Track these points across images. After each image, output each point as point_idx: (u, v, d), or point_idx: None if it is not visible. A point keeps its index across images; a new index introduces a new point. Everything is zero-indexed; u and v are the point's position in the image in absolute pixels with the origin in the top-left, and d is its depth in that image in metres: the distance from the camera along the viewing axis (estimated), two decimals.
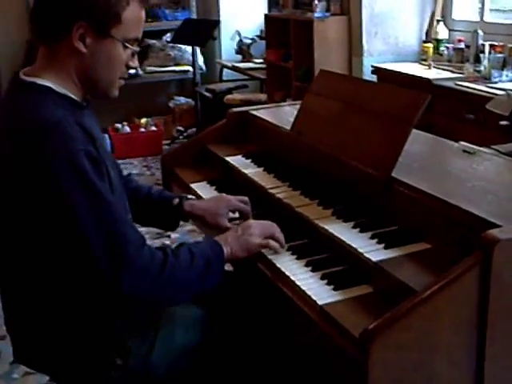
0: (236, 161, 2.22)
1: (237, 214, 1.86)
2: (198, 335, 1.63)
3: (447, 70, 3.89)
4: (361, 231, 1.61)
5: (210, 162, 2.34)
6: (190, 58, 5.90)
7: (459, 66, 3.88)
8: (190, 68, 6.02)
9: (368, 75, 4.24)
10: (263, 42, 5.47)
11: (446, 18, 4.34)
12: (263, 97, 5.18)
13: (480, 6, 4.18)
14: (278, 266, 1.59)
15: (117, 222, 1.40)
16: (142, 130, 5.93)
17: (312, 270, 1.55)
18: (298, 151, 2.03)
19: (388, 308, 1.23)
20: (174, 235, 4.01)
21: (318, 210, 1.76)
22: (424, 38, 4.34)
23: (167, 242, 3.94)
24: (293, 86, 4.57)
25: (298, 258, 1.62)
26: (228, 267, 1.68)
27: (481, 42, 3.88)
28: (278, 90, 4.84)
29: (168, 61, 6.20)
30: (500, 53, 3.70)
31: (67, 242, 1.38)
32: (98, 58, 1.51)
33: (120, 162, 5.74)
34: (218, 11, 6.22)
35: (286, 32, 4.75)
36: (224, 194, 1.92)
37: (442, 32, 4.21)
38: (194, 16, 6.18)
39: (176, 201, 1.87)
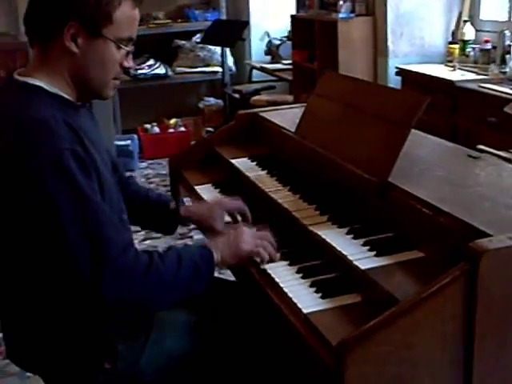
0: (241, 163, 2.17)
1: (239, 217, 1.82)
2: (188, 341, 1.59)
3: (472, 72, 3.78)
4: (354, 238, 1.55)
5: (217, 164, 2.30)
6: (220, 58, 5.88)
7: (485, 68, 3.77)
8: (219, 69, 5.99)
9: (392, 76, 4.15)
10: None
11: (473, 18, 4.22)
12: (289, 98, 5.12)
13: (509, 5, 4.05)
14: (269, 271, 1.54)
15: (100, 222, 1.37)
16: (171, 130, 5.92)
17: (302, 277, 1.50)
18: (301, 155, 1.98)
19: (373, 318, 1.17)
20: (196, 236, 3.98)
21: (314, 214, 1.71)
22: (450, 38, 4.22)
23: (190, 243, 3.91)
24: None
25: (290, 264, 1.57)
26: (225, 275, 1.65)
27: (508, 42, 3.75)
28: (303, 91, 4.77)
29: (198, 61, 6.18)
30: None
31: (48, 241, 1.35)
32: (90, 58, 1.48)
33: (148, 162, 5.75)
34: (248, 12, 6.18)
35: (311, 33, 4.69)
36: (221, 198, 1.88)
37: (468, 33, 4.09)
38: (224, 17, 6.14)
39: (173, 205, 1.84)
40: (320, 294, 1.42)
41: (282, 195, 1.86)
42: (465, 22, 4.15)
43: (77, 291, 1.37)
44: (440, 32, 4.33)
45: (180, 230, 2.03)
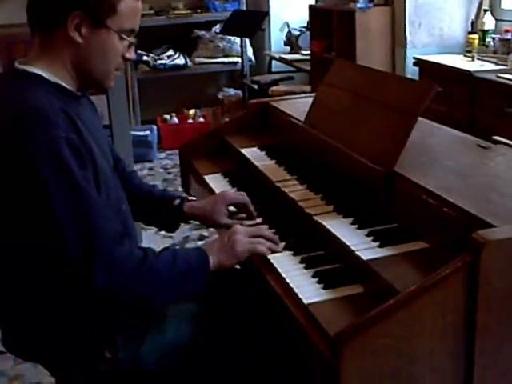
0: (250, 153, 2.15)
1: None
2: (189, 329, 1.57)
3: (491, 62, 3.70)
4: (358, 228, 1.52)
5: (227, 153, 2.28)
6: (239, 49, 5.84)
7: (504, 58, 3.69)
8: (239, 59, 5.95)
9: (410, 67, 4.08)
10: None
11: (493, 7, 4.13)
12: (307, 88, 5.08)
13: None
14: (272, 261, 1.52)
15: (93, 213, 1.36)
16: (190, 121, 5.90)
17: (305, 268, 1.47)
18: (310, 144, 1.95)
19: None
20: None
21: (320, 204, 1.68)
22: (470, 28, 4.14)
23: (205, 234, 3.90)
24: None
25: (294, 254, 1.54)
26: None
27: None
28: (321, 82, 4.73)
29: (217, 52, 6.15)
30: None
31: (40, 228, 1.35)
32: (93, 48, 1.48)
33: (167, 152, 5.73)
34: (268, 2, 6.13)
35: (329, 23, 4.64)
36: (222, 191, 1.87)
37: (488, 22, 4.01)
38: (244, 7, 6.10)
39: (177, 201, 1.83)
40: (322, 285, 1.39)
41: (289, 185, 1.83)
42: (485, 11, 4.06)
43: (69, 279, 1.36)
44: (459, 22, 4.26)
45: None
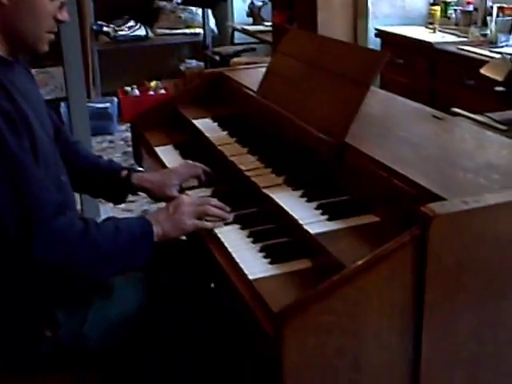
0: (202, 124, 2.07)
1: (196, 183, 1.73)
2: (135, 304, 1.51)
3: (453, 34, 3.67)
4: (308, 201, 1.46)
5: (180, 124, 2.20)
6: (201, 20, 5.71)
7: (466, 30, 3.65)
8: (201, 30, 5.82)
9: (372, 38, 4.02)
10: None
11: None
12: (269, 60, 4.98)
13: None
14: (219, 235, 1.46)
15: (31, 183, 1.28)
16: (152, 93, 5.77)
17: (253, 242, 1.41)
18: (262, 115, 1.88)
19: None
20: None
21: (270, 176, 1.62)
22: (432, 0, 4.09)
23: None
24: None
25: (242, 228, 1.48)
26: None
27: (489, 4, 3.63)
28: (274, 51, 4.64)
29: (179, 23, 6.01)
30: (509, 15, 3.46)
31: None
32: (20, 9, 1.38)
33: (128, 125, 5.57)
34: None
35: None
36: (175, 166, 1.79)
37: None
38: None
39: (124, 173, 1.75)
40: (269, 260, 1.33)
41: (239, 157, 1.76)
42: None
43: (6, 251, 1.28)
44: None
45: None
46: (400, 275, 1.10)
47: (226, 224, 1.49)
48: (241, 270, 1.31)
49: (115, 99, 5.53)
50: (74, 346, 1.44)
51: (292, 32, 1.95)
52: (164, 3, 6.00)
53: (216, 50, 5.62)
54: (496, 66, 2.46)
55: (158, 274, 1.56)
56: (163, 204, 1.64)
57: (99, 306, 1.47)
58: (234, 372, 1.50)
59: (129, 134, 5.21)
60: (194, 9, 5.92)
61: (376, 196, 1.37)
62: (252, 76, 2.20)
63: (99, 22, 5.75)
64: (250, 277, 1.28)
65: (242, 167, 1.68)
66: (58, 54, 3.53)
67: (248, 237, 1.44)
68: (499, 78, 2.39)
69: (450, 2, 3.96)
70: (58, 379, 1.44)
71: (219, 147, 1.85)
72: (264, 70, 2.02)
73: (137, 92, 5.73)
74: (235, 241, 1.43)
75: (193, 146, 2.02)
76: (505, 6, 3.52)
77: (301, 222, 1.36)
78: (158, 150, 2.05)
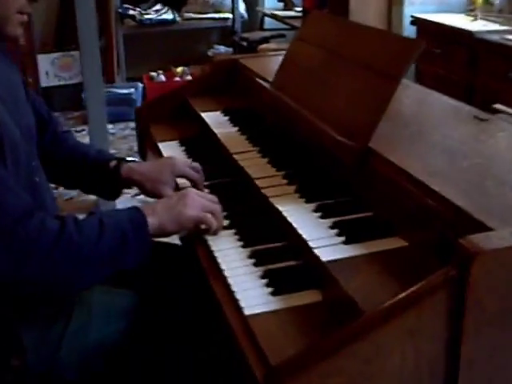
0: (211, 117, 1.83)
1: (188, 183, 1.48)
2: (120, 328, 1.28)
3: (496, 22, 3.35)
4: (322, 217, 1.21)
5: (189, 117, 1.96)
6: (231, 4, 5.45)
7: (510, 18, 3.34)
8: (230, 15, 5.57)
9: (407, 26, 3.72)
10: None
11: None
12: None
13: None
14: (216, 254, 1.21)
15: None
16: (178, 79, 5.53)
17: (255, 264, 1.17)
18: (276, 111, 1.63)
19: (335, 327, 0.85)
20: None
21: (280, 184, 1.37)
22: None
23: None
24: None
25: (244, 246, 1.23)
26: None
27: None
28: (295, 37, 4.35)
29: (207, 7, 5.75)
30: None
31: None
32: None
33: None
34: None
35: None
36: (172, 157, 1.55)
37: None
38: None
39: (113, 164, 1.50)
40: (272, 289, 1.09)
41: (248, 158, 1.52)
42: None
43: None
44: None
45: None
46: (429, 327, 0.85)
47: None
48: (237, 301, 1.07)
49: (140, 85, 5.32)
50: (46, 377, 1.22)
51: (313, 15, 1.69)
52: None
53: (244, 35, 5.36)
54: None
55: (148, 294, 1.33)
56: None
57: (76, 327, 1.25)
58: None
59: None
60: None
61: (404, 215, 1.12)
62: (271, 64, 1.95)
63: (125, 5, 5.53)
64: (247, 312, 1.04)
65: (250, 171, 1.43)
66: None
67: (250, 257, 1.19)
68: None
69: None
70: None
71: (226, 145, 1.60)
72: (280, 58, 1.76)
73: (162, 78, 5.50)
74: (234, 262, 1.19)
75: (200, 142, 1.78)
76: None
77: (311, 244, 1.11)
78: (162, 145, 1.81)
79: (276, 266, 1.16)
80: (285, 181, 1.37)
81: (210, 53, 5.94)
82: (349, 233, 1.13)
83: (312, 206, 1.24)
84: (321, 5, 4.31)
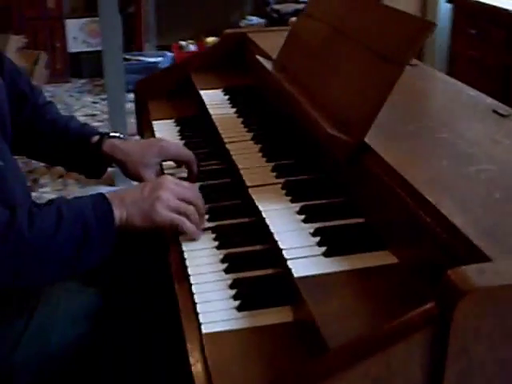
0: (210, 96, 1.67)
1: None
2: (85, 331, 1.15)
3: None
4: (305, 221, 1.04)
5: (190, 95, 1.80)
6: None
7: None
8: None
9: (443, 4, 3.48)
10: None
11: None
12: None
13: None
14: (186, 256, 1.07)
15: None
16: None
17: (226, 270, 1.02)
18: (275, 93, 1.46)
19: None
20: None
21: (268, 176, 1.21)
22: None
23: None
24: None
25: (218, 247, 1.08)
26: None
27: None
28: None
29: None
30: None
31: None
32: None
33: None
34: None
35: None
36: (161, 138, 1.41)
37: None
38: None
39: (95, 139, 1.35)
40: (239, 303, 0.93)
41: (239, 144, 1.36)
42: None
43: None
44: None
45: None
46: (401, 378, 0.69)
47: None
48: (197, 315, 0.92)
49: (168, 54, 5.17)
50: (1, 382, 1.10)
51: None
52: None
53: (275, 7, 5.14)
54: None
55: (112, 293, 1.19)
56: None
57: (37, 328, 1.12)
58: None
59: None
60: None
61: (397, 226, 0.95)
62: (279, 40, 1.77)
63: None
64: (204, 329, 0.89)
65: (237, 159, 1.27)
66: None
67: (222, 261, 1.04)
68: None
69: None
70: None
71: (219, 128, 1.44)
72: None
73: (192, 48, 5.33)
74: (204, 266, 1.04)
75: (196, 123, 1.62)
76: None
77: (285, 254, 0.95)
78: (156, 124, 1.66)
79: (249, 274, 1.00)
80: (273, 174, 1.21)
81: (241, 23, 5.74)
82: (332, 243, 0.96)
83: (297, 206, 1.08)
84: None
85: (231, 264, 1.03)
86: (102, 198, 1.06)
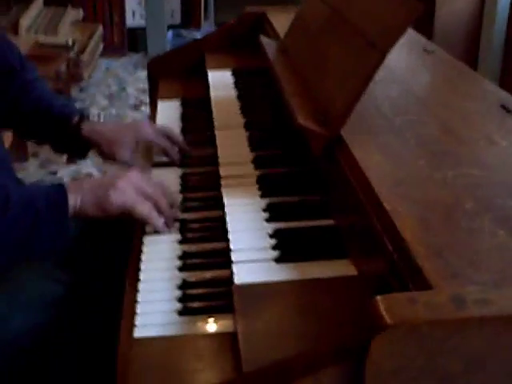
0: (217, 77, 1.57)
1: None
2: (47, 321, 1.08)
3: None
4: (268, 219, 0.94)
5: (202, 75, 1.70)
6: None
7: None
8: None
9: None
10: None
11: None
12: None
13: None
14: (144, 249, 0.98)
15: None
16: None
17: (180, 268, 0.93)
18: (277, 76, 1.34)
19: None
20: None
21: (245, 167, 1.11)
22: None
23: None
24: None
25: (181, 242, 0.99)
26: None
27: None
28: None
29: None
30: None
31: None
32: None
33: None
34: None
35: None
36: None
37: None
38: None
39: (76, 119, 1.28)
40: (181, 306, 0.84)
41: (229, 131, 1.26)
42: None
43: None
44: None
45: None
46: None
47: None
48: (135, 314, 0.84)
49: None
50: None
51: None
52: None
53: None
54: None
55: (75, 285, 1.12)
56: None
57: None
58: None
59: None
60: None
61: (359, 232, 0.83)
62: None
63: None
64: (137, 333, 0.81)
65: (219, 149, 1.17)
66: None
67: (180, 258, 0.95)
68: None
69: None
70: None
71: (214, 112, 1.35)
72: None
73: None
74: (159, 262, 0.95)
75: (200, 105, 1.53)
76: None
77: (233, 256, 0.85)
78: (161, 104, 1.57)
79: (202, 275, 0.91)
80: (252, 165, 1.10)
81: None
82: (287, 247, 0.86)
83: (264, 203, 0.98)
84: None
85: (187, 262, 0.93)
86: (59, 186, 0.99)
